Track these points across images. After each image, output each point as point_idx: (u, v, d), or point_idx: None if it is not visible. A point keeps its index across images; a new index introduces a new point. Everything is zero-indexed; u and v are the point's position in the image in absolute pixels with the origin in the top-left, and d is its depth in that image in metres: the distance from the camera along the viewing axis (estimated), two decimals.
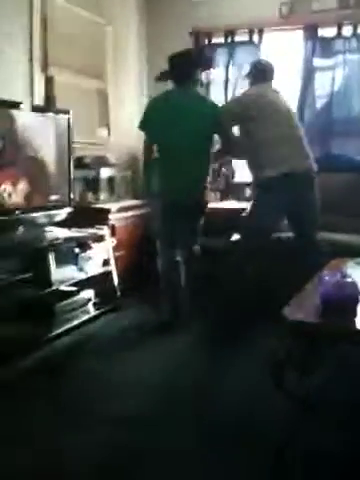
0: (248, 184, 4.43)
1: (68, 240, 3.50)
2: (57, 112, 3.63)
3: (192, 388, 2.63)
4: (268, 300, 3.05)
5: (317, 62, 4.55)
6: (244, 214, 3.71)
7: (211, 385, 2.67)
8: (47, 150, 3.48)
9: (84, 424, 2.29)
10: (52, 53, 3.87)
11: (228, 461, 2.02)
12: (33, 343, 3.05)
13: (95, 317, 3.60)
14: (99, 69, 4.51)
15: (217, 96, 4.69)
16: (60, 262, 3.43)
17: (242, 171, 4.32)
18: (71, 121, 3.64)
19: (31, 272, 3.24)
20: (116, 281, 3.81)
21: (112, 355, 3.08)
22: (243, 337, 3.24)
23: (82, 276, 3.57)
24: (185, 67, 3.48)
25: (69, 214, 3.74)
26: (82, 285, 3.64)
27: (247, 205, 3.71)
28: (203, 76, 4.24)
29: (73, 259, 3.60)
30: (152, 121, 3.47)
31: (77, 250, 3.64)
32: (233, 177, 4.76)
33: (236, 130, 3.58)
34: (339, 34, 4.42)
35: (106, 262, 3.78)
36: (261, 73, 3.56)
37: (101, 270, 3.75)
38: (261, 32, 4.65)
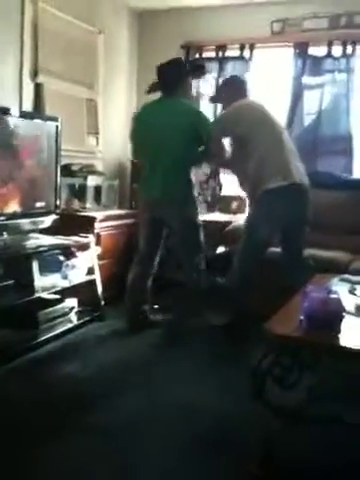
0: (235, 197, 4.45)
1: (53, 247, 3.48)
2: (46, 119, 3.63)
3: (174, 400, 2.61)
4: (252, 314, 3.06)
5: (306, 80, 4.60)
6: (243, 225, 3.53)
7: (192, 400, 2.64)
8: (34, 156, 3.47)
9: (63, 433, 2.26)
10: (42, 61, 3.88)
11: (209, 473, 2.02)
12: (14, 351, 3.02)
13: (78, 326, 3.58)
14: (90, 78, 4.53)
15: (206, 109, 4.70)
16: (44, 269, 3.40)
17: (230, 184, 4.33)
18: (60, 128, 3.64)
19: (14, 279, 3.22)
20: (100, 290, 3.80)
21: (93, 363, 3.06)
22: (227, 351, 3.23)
23: (66, 284, 3.54)
24: (172, 75, 3.41)
25: (54, 221, 3.72)
26: (66, 293, 3.62)
27: (234, 218, 3.70)
28: (194, 90, 4.23)
29: (57, 267, 3.56)
30: (135, 132, 3.50)
31: (61, 258, 3.61)
32: (221, 190, 4.76)
33: (227, 144, 3.48)
34: (329, 53, 4.48)
35: (90, 270, 3.75)
36: (244, 86, 3.56)
37: (85, 278, 3.72)
38: (252, 48, 4.70)
